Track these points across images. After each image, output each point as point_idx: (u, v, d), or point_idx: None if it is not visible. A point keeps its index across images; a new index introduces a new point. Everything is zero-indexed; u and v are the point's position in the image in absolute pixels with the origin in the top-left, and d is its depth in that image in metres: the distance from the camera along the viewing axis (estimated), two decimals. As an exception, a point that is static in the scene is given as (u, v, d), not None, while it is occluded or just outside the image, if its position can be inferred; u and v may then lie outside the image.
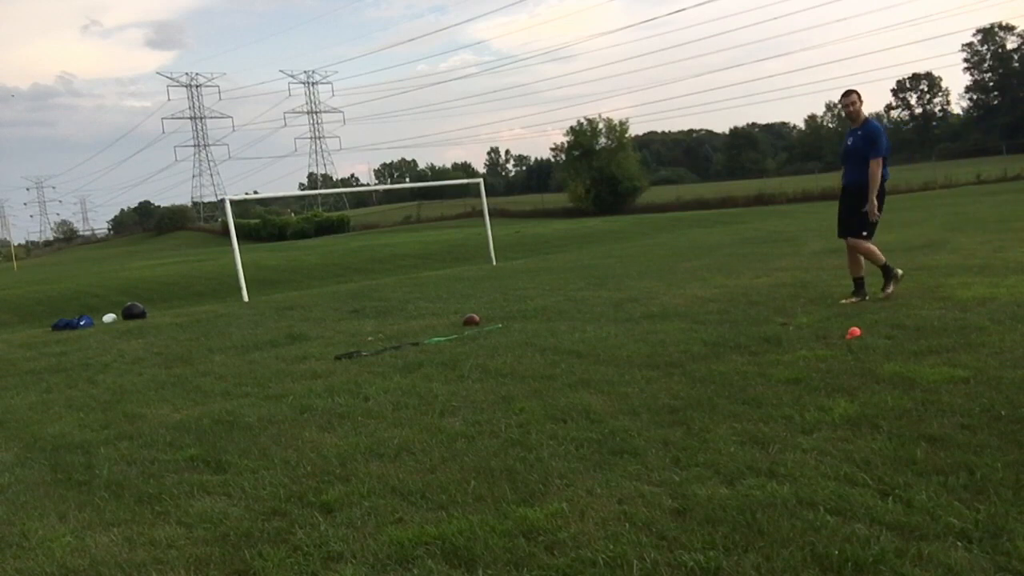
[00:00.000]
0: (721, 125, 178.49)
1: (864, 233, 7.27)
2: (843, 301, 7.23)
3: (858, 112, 7.25)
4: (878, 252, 7.32)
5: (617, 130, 51.27)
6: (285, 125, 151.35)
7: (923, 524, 2.71)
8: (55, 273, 33.96)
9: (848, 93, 7.23)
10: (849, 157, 7.27)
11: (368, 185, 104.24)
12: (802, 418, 3.96)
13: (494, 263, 17.99)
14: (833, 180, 45.20)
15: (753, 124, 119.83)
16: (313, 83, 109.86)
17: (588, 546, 2.76)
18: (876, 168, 7.01)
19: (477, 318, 8.34)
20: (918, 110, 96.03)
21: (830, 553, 2.55)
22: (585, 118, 52.83)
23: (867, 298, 7.24)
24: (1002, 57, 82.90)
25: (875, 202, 7.07)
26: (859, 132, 7.22)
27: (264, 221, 62.51)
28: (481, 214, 20.28)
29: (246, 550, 3.00)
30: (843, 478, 3.16)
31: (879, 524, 2.74)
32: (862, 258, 7.33)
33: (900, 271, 7.56)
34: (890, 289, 7.36)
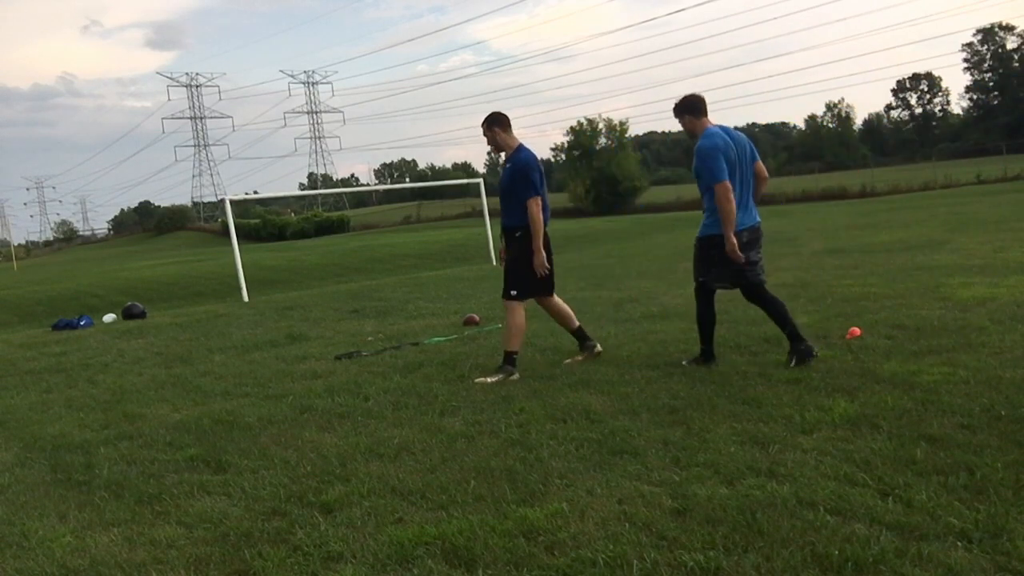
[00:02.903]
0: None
1: (513, 292, 5.59)
2: (568, 361, 5.76)
3: (500, 143, 5.65)
4: (518, 324, 5.61)
5: (617, 130, 51.27)
6: (285, 125, 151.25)
7: (923, 524, 2.71)
8: (55, 273, 33.95)
9: (483, 123, 5.68)
10: (502, 197, 5.64)
11: (368, 185, 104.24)
12: (802, 418, 3.96)
13: (494, 263, 17.98)
14: (832, 180, 45.32)
15: (753, 124, 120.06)
16: (313, 83, 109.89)
17: (588, 546, 2.76)
18: (535, 210, 5.43)
19: (477, 318, 8.34)
20: (918, 110, 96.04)
21: (830, 553, 2.55)
22: (585, 118, 52.85)
23: (597, 350, 5.82)
24: (1002, 57, 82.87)
25: (542, 252, 5.46)
26: (508, 166, 5.64)
27: (264, 221, 62.45)
28: (481, 214, 20.27)
29: (246, 550, 3.00)
30: (843, 478, 3.16)
31: (879, 524, 2.74)
32: (515, 323, 5.61)
33: (599, 347, 5.89)
34: (579, 358, 5.76)
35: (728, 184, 4.93)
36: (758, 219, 5.25)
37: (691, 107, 5.21)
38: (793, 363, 5.02)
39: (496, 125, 5.61)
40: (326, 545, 2.98)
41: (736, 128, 5.44)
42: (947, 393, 4.17)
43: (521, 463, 3.68)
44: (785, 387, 4.57)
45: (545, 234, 5.54)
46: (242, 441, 4.51)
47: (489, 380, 5.39)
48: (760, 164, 5.28)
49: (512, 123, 5.71)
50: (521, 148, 5.61)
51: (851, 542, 2.61)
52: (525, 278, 5.56)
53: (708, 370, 5.14)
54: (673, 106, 5.31)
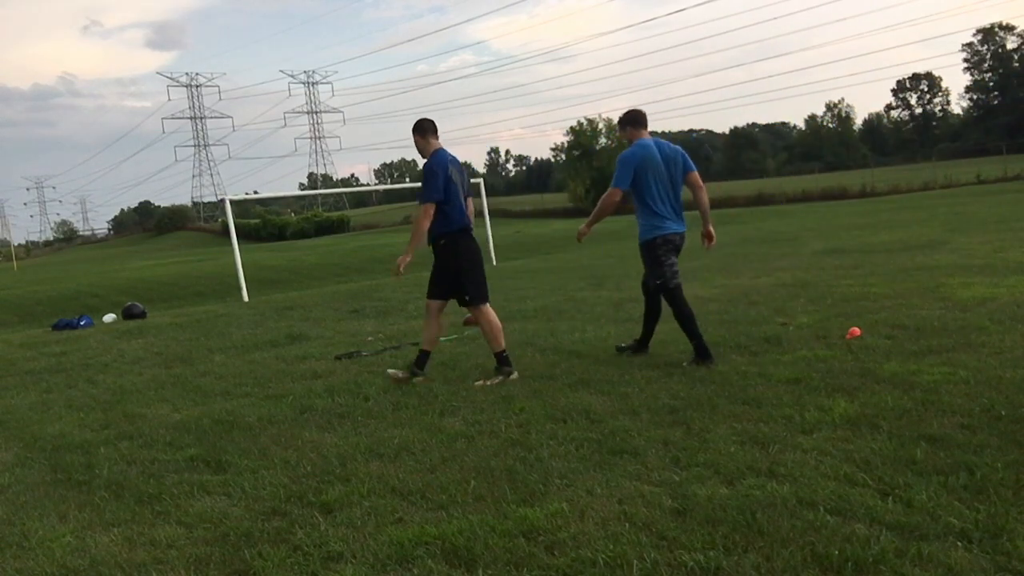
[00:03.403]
0: (721, 125, 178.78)
1: (467, 297, 5.53)
2: (477, 384, 5.38)
3: (420, 149, 5.56)
4: (493, 323, 5.52)
5: (617, 130, 51.27)
6: (285, 125, 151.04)
7: (923, 524, 2.71)
8: (55, 273, 33.96)
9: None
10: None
11: (368, 185, 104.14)
12: (802, 418, 3.96)
13: (494, 263, 17.99)
14: (832, 180, 45.27)
15: (753, 124, 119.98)
16: (313, 83, 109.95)
17: (588, 546, 2.76)
18: (418, 214, 5.36)
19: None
20: (918, 110, 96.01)
21: (830, 553, 2.55)
22: (585, 118, 52.89)
23: (513, 375, 5.43)
24: (1002, 57, 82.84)
25: (411, 256, 5.40)
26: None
27: (264, 221, 62.46)
28: (481, 214, 20.27)
29: (246, 550, 3.00)
30: (843, 478, 3.16)
31: (879, 524, 2.74)
32: (488, 324, 5.53)
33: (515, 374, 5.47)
34: (489, 381, 5.38)
35: (619, 191, 5.46)
36: (684, 228, 5.63)
37: (632, 120, 5.61)
38: (692, 363, 5.33)
39: (416, 132, 5.55)
40: (326, 545, 2.98)
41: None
42: (947, 393, 4.17)
43: (521, 463, 3.68)
44: (785, 387, 4.57)
45: (469, 241, 5.50)
46: (242, 441, 4.51)
47: (489, 383, 5.34)
48: (695, 175, 5.64)
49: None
50: (435, 153, 5.46)
51: (851, 542, 2.61)
52: (470, 279, 5.51)
53: (708, 370, 5.14)
54: (618, 119, 5.76)
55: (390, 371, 5.77)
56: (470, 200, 5.63)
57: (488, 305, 5.60)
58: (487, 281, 5.67)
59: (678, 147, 5.60)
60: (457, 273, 5.49)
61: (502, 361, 5.51)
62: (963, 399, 4.04)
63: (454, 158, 5.53)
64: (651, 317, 5.83)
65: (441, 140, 5.63)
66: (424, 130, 5.52)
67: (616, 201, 5.50)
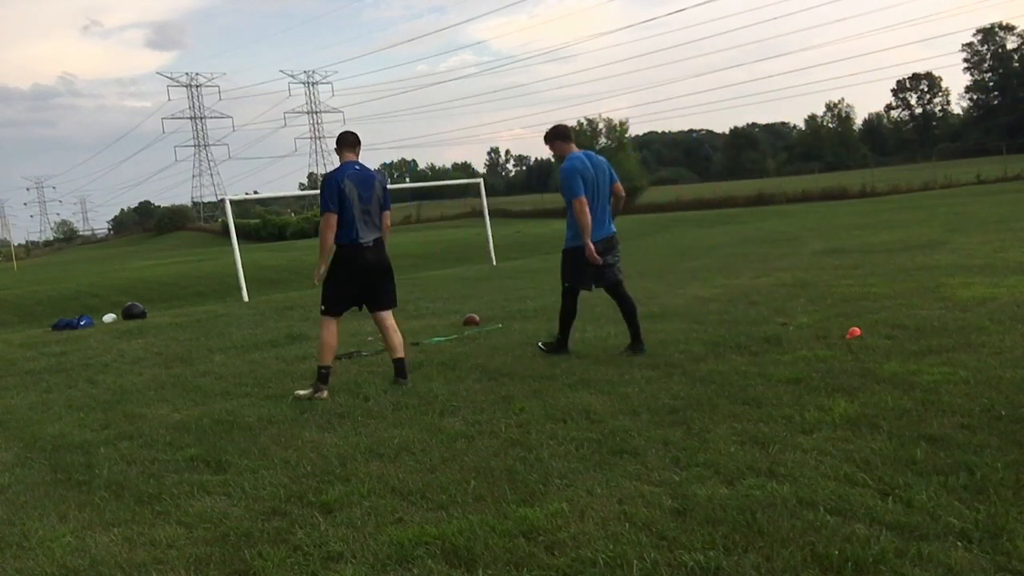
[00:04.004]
0: (721, 125, 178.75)
1: (323, 307, 5.59)
2: (299, 393, 5.48)
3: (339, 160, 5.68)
4: (325, 340, 5.52)
5: (617, 130, 51.31)
6: (285, 125, 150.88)
7: (923, 524, 2.71)
8: (55, 273, 33.96)
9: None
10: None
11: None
12: (802, 418, 3.96)
13: (494, 263, 17.99)
14: (832, 180, 45.29)
15: (753, 124, 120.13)
16: (313, 83, 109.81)
17: (588, 546, 2.76)
18: (322, 226, 5.42)
19: (477, 318, 8.34)
20: (918, 110, 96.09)
21: (830, 553, 2.55)
22: (585, 118, 52.95)
23: (324, 395, 5.39)
24: (1002, 57, 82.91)
25: (324, 266, 5.48)
26: None
27: (264, 221, 62.40)
28: (481, 214, 20.27)
29: (246, 550, 3.00)
30: (843, 478, 3.16)
31: (879, 524, 2.74)
32: (321, 338, 5.56)
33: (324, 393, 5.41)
34: (307, 392, 5.46)
35: (584, 199, 5.69)
36: (613, 230, 5.99)
37: (560, 135, 6.02)
38: (628, 352, 5.89)
39: (336, 144, 5.70)
40: (326, 545, 2.98)
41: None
42: (947, 393, 4.17)
43: (521, 463, 3.68)
44: (785, 387, 4.58)
45: (350, 254, 5.42)
46: (242, 441, 4.51)
47: (303, 393, 5.43)
48: (618, 185, 6.04)
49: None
50: (339, 167, 5.54)
51: (851, 542, 2.61)
52: (326, 289, 5.54)
53: (708, 370, 5.15)
54: (544, 134, 6.09)
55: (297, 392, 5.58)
56: (385, 213, 5.61)
57: (332, 321, 5.53)
58: (358, 297, 5.59)
59: (603, 158, 6.04)
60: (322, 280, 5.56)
61: (321, 378, 5.46)
62: (963, 399, 4.04)
63: (361, 171, 5.51)
64: (627, 314, 6.02)
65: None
66: (343, 144, 5.65)
67: (586, 210, 5.71)
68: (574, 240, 5.83)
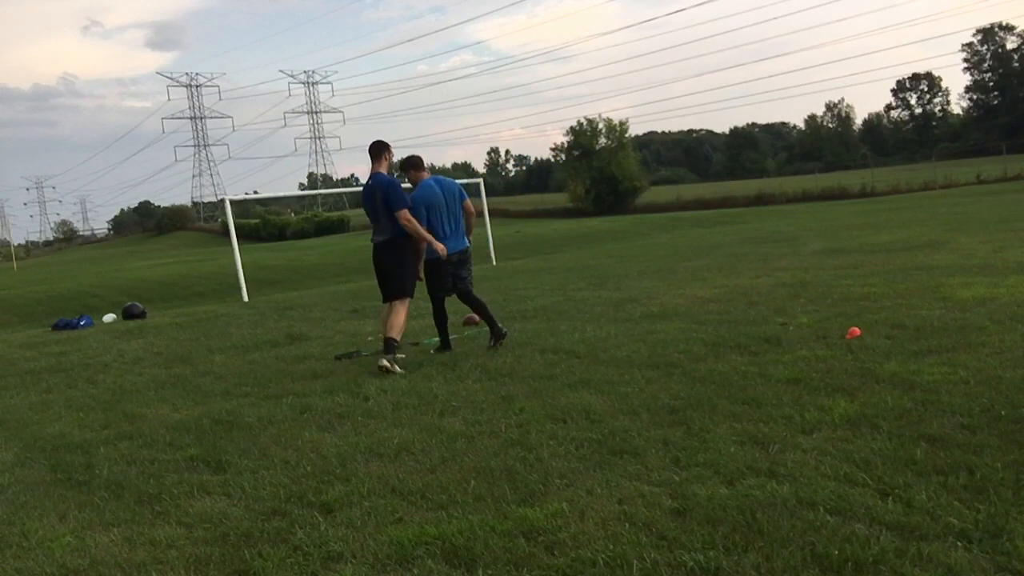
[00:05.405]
0: (721, 125, 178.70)
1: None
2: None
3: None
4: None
5: (617, 130, 51.33)
6: (285, 125, 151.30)
7: (923, 524, 2.71)
8: (55, 273, 33.95)
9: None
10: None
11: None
12: (802, 418, 3.96)
13: (494, 263, 17.99)
14: (832, 180, 45.32)
15: (753, 124, 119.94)
16: (313, 83, 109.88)
17: (588, 546, 2.76)
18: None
19: (477, 318, 8.33)
20: (918, 110, 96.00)
21: (830, 553, 2.55)
22: (585, 118, 53.01)
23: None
24: (1002, 57, 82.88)
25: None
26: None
27: (264, 221, 62.46)
28: (481, 214, 20.27)
29: (246, 550, 3.00)
30: (843, 478, 3.16)
31: (879, 524, 2.74)
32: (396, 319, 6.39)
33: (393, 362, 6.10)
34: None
35: (408, 212, 6.33)
36: (467, 244, 6.74)
37: (415, 165, 6.80)
38: (492, 344, 6.57)
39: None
40: (326, 545, 2.98)
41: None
42: (947, 393, 4.17)
43: (521, 463, 3.68)
44: (785, 387, 4.57)
45: (379, 249, 6.48)
46: (242, 441, 4.51)
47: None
48: (468, 202, 6.78)
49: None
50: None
51: (851, 542, 2.61)
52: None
53: (708, 370, 5.15)
54: (400, 163, 6.93)
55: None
56: (398, 213, 6.33)
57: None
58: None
59: (455, 181, 6.84)
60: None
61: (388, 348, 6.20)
62: (963, 399, 4.04)
63: (369, 182, 6.51)
64: (481, 313, 6.74)
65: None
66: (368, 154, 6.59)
67: (414, 221, 6.36)
68: (432, 253, 6.51)
